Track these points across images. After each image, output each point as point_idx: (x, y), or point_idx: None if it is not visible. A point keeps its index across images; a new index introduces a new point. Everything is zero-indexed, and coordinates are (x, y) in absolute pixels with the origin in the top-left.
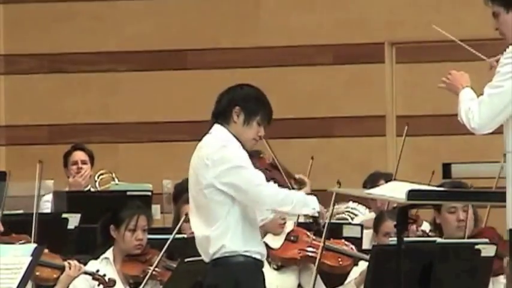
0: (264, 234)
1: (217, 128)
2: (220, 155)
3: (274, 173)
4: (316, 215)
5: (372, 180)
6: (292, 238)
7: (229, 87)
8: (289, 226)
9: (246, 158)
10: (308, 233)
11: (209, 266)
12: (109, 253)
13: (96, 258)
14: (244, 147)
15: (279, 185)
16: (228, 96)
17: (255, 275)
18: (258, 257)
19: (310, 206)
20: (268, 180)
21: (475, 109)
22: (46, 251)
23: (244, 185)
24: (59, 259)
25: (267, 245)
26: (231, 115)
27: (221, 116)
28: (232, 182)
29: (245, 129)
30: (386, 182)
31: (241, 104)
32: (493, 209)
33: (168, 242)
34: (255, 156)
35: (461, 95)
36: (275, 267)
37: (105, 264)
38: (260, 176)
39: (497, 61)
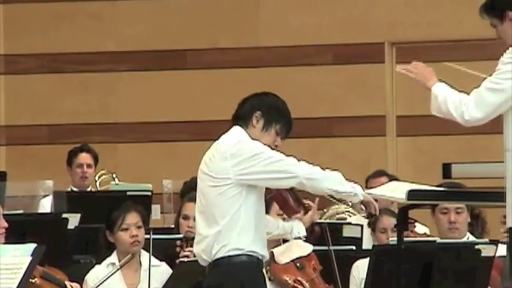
0: (277, 243)
1: (235, 129)
2: (239, 148)
3: (289, 194)
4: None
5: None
6: (298, 264)
7: (255, 93)
8: (308, 249)
9: (261, 145)
10: (317, 267)
11: (210, 267)
12: (114, 257)
13: (100, 262)
14: None
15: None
16: (253, 101)
17: (259, 274)
18: (260, 257)
19: (347, 187)
20: (278, 200)
21: (468, 101)
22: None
23: (266, 166)
24: (62, 275)
25: (272, 255)
26: (251, 119)
27: (241, 119)
28: (254, 170)
29: (263, 135)
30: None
31: (263, 110)
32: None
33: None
34: None
35: (439, 88)
36: (269, 277)
37: (111, 270)
38: (279, 153)
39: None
